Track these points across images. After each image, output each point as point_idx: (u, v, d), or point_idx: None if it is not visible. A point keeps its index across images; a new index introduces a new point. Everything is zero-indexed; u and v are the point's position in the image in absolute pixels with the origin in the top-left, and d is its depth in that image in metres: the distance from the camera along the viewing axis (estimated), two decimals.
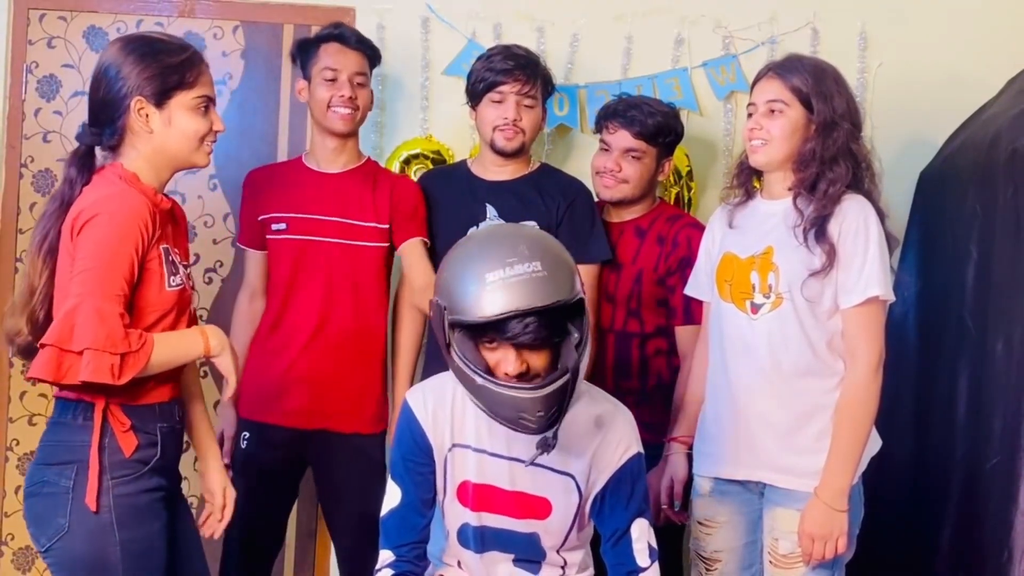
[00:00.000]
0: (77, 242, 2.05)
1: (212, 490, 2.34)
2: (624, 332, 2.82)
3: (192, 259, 2.87)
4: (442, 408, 2.10)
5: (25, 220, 3.30)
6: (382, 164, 3.28)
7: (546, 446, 1.94)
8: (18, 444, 3.33)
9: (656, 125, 2.83)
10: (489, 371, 1.91)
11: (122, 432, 2.09)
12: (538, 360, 1.92)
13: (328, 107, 2.78)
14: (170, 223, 2.22)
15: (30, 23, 3.29)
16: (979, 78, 3.13)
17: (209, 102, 2.19)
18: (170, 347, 2.10)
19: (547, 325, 1.88)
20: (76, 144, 2.19)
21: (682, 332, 2.81)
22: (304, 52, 2.84)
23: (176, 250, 2.21)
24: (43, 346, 2.00)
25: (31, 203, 3.30)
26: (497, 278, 1.84)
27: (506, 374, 1.90)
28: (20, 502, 3.33)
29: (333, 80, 2.77)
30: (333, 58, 2.78)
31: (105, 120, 2.16)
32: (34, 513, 2.11)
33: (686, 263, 2.77)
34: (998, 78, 3.06)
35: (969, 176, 2.78)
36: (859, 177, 2.37)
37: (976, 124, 2.98)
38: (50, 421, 2.17)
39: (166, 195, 2.22)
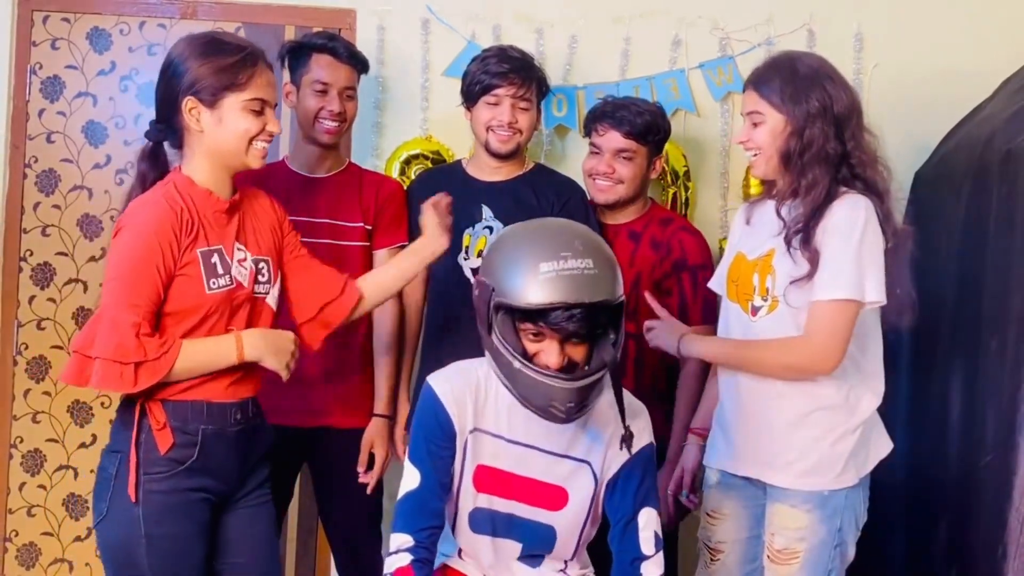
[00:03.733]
0: (109, 251, 2.13)
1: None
2: None
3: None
4: (465, 393, 2.13)
5: (29, 220, 3.32)
6: (382, 164, 3.32)
7: (628, 444, 2.09)
8: (22, 441, 3.35)
9: (645, 124, 2.85)
10: (527, 357, 1.97)
11: (157, 429, 2.13)
12: (577, 355, 1.98)
13: (316, 118, 2.81)
14: (231, 222, 2.23)
15: (34, 24, 3.32)
16: (974, 79, 3.13)
17: (263, 104, 2.20)
18: (199, 354, 2.13)
19: (590, 320, 1.94)
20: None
21: None
22: (294, 58, 2.85)
23: (233, 248, 2.20)
24: (71, 352, 2.08)
25: (35, 203, 3.32)
26: (551, 269, 1.91)
27: (547, 366, 1.96)
28: (24, 499, 3.36)
29: (323, 92, 2.80)
30: (324, 71, 2.80)
31: (165, 117, 2.22)
32: (93, 492, 2.20)
33: (681, 266, 2.83)
34: (993, 79, 3.07)
35: (964, 176, 2.79)
36: (854, 174, 2.32)
37: (971, 124, 2.99)
38: (117, 410, 2.24)
39: (235, 190, 2.26)
